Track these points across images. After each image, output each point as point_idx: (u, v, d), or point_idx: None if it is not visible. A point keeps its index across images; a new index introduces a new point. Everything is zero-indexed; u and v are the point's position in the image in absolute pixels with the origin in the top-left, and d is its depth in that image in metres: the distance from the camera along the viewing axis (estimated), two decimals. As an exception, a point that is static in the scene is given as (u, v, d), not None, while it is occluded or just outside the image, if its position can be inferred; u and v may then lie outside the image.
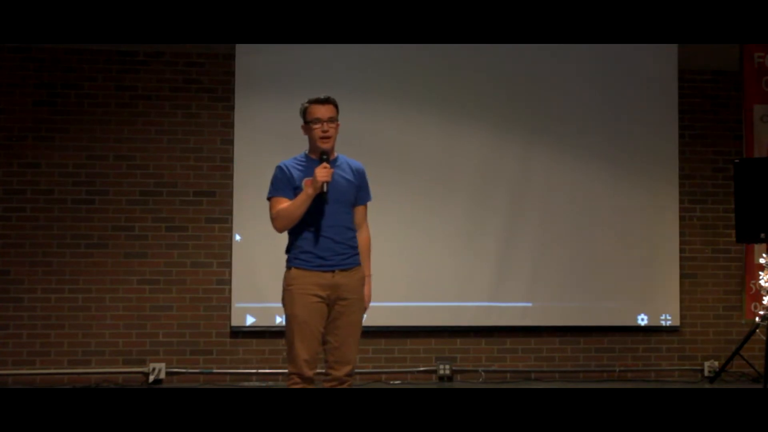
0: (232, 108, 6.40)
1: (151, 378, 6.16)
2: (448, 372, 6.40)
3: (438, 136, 6.51)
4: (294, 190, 3.72)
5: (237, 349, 6.32)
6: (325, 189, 3.64)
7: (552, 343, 6.61)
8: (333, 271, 3.70)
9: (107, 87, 6.37)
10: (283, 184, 3.76)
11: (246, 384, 6.27)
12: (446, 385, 6.36)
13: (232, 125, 6.40)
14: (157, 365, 6.19)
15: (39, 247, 6.21)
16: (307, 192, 3.64)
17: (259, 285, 6.21)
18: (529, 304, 6.55)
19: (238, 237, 6.31)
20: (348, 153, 3.94)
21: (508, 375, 6.54)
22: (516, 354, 6.58)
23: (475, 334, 6.53)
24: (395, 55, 6.46)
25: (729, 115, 6.91)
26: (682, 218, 6.78)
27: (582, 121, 6.67)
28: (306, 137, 3.83)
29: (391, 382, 6.35)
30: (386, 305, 6.15)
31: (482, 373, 6.47)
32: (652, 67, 6.77)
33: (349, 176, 3.82)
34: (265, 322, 6.25)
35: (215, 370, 6.28)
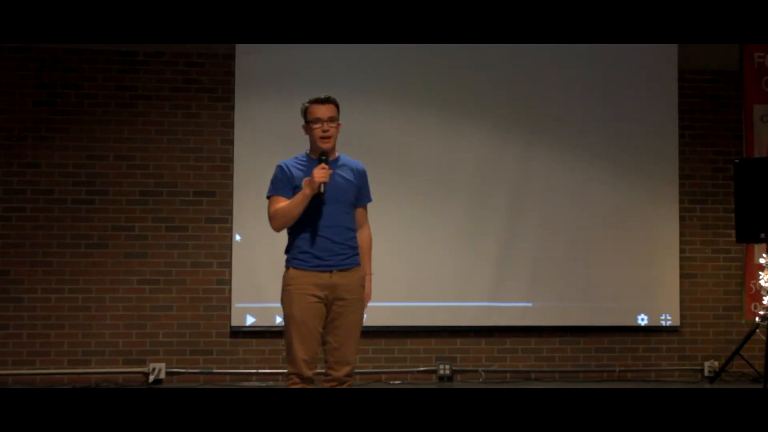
0: (232, 108, 6.41)
1: (151, 378, 6.16)
2: (448, 372, 6.40)
3: (438, 136, 6.51)
4: (294, 190, 3.72)
5: (237, 349, 6.32)
6: (322, 190, 3.64)
7: (552, 343, 6.61)
8: (331, 272, 3.70)
9: (107, 87, 6.37)
10: (282, 183, 3.76)
11: (246, 384, 6.27)
12: (446, 385, 6.36)
13: (232, 125, 6.40)
14: (157, 365, 6.19)
15: (39, 247, 6.21)
16: (305, 192, 3.64)
17: (259, 285, 6.21)
18: (529, 304, 6.55)
19: (238, 237, 6.31)
20: (348, 153, 3.93)
21: (508, 375, 6.54)
22: (516, 354, 6.58)
23: (475, 334, 6.53)
24: (395, 55, 6.46)
25: (729, 115, 6.91)
26: (682, 218, 6.78)
27: (582, 121, 6.67)
28: (307, 137, 3.83)
29: (391, 382, 6.35)
30: (386, 305, 6.15)
31: (482, 373, 6.47)
32: (652, 67, 6.77)
33: (350, 176, 3.82)
34: (265, 322, 6.26)
35: (215, 370, 6.28)
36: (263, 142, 6.24)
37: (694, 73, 6.92)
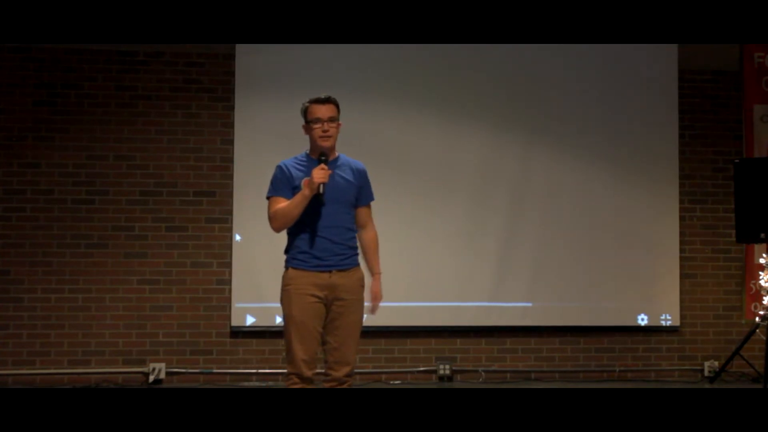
0: (232, 108, 6.41)
1: (151, 378, 6.16)
2: (448, 372, 6.40)
3: (438, 136, 6.51)
4: (293, 190, 3.72)
5: (237, 349, 6.32)
6: (321, 190, 3.64)
7: (552, 343, 6.61)
8: (330, 272, 3.70)
9: (107, 87, 6.37)
10: (282, 183, 3.76)
11: (246, 384, 6.27)
12: (446, 385, 6.36)
13: (232, 125, 6.40)
14: (157, 365, 6.19)
15: (39, 247, 6.21)
16: (304, 193, 3.64)
17: (259, 285, 6.21)
18: (529, 304, 6.55)
19: (238, 237, 6.31)
20: (348, 153, 3.93)
21: (508, 375, 6.54)
22: (516, 354, 6.58)
23: (475, 334, 6.53)
24: (395, 55, 6.46)
25: (729, 115, 6.91)
26: (682, 218, 6.78)
27: (582, 121, 6.67)
28: (307, 137, 3.83)
29: (391, 382, 6.35)
30: (386, 305, 6.06)
31: (482, 373, 6.47)
32: (652, 67, 6.77)
33: (350, 177, 3.82)
34: (265, 322, 6.26)
35: (215, 370, 6.28)
36: (263, 142, 6.24)
37: (694, 73, 6.92)
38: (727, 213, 6.72)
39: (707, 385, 6.45)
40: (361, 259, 3.86)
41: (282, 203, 3.72)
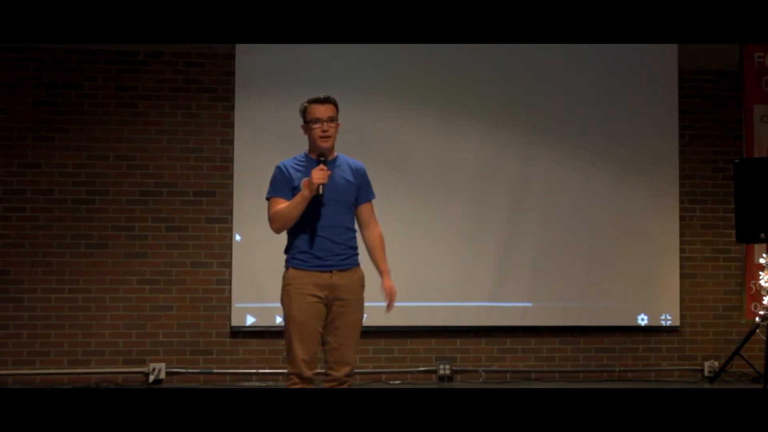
0: (232, 108, 6.41)
1: (151, 378, 6.16)
2: (448, 372, 6.40)
3: (438, 136, 6.51)
4: (292, 191, 3.71)
5: (237, 349, 6.32)
6: (320, 191, 3.64)
7: (552, 343, 6.61)
8: (330, 272, 3.70)
9: (107, 87, 6.37)
10: (281, 184, 3.75)
11: (246, 384, 6.27)
12: (446, 385, 6.36)
13: (232, 125, 6.40)
14: (157, 365, 6.19)
15: (39, 247, 6.21)
16: (303, 194, 3.64)
17: (259, 285, 6.21)
18: (529, 304, 6.55)
19: (238, 237, 6.31)
20: (348, 153, 3.93)
21: (508, 375, 6.54)
22: (516, 354, 6.58)
23: (475, 334, 6.53)
24: (395, 55, 6.46)
25: (729, 115, 6.91)
26: (682, 218, 6.78)
27: (582, 121, 6.67)
28: (306, 137, 3.83)
29: (391, 382, 6.35)
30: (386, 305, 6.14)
31: (482, 373, 6.47)
32: (652, 67, 6.77)
33: (349, 176, 3.82)
34: (265, 322, 6.26)
35: (215, 370, 6.28)
36: (263, 142, 6.24)
37: (694, 73, 6.92)
38: (727, 213, 6.72)
39: (707, 385, 6.45)
40: (361, 259, 3.85)
41: (282, 204, 3.72)
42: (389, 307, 3.86)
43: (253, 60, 6.38)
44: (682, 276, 6.74)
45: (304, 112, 3.78)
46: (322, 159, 3.68)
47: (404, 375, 6.44)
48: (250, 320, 6.28)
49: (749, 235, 6.07)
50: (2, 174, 6.24)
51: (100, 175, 6.30)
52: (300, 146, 3.87)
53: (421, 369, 6.45)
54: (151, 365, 6.20)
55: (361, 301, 3.80)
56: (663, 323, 6.69)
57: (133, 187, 6.33)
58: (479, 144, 6.56)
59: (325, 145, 3.74)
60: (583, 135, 6.66)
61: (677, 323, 6.71)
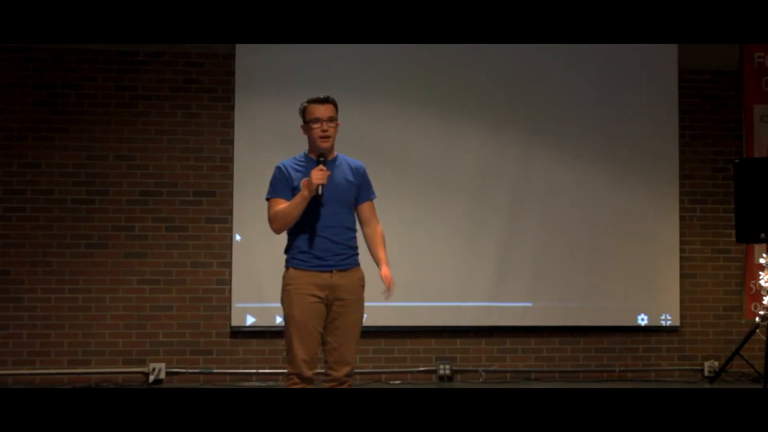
0: (232, 108, 6.41)
1: (151, 378, 6.16)
2: (448, 372, 6.39)
3: (438, 136, 6.51)
4: (292, 191, 3.71)
5: (237, 349, 6.32)
6: (320, 192, 3.64)
7: (552, 343, 6.61)
8: (331, 272, 3.70)
9: (107, 87, 6.37)
10: (281, 185, 3.75)
11: (246, 384, 6.27)
12: (446, 385, 6.36)
13: (232, 125, 6.40)
14: (157, 365, 6.19)
15: (39, 247, 6.21)
16: (303, 194, 3.64)
17: (259, 285, 6.21)
18: (529, 304, 6.55)
19: (238, 237, 6.31)
20: (348, 153, 3.93)
21: (508, 375, 6.54)
22: (516, 354, 6.58)
23: (475, 334, 6.53)
24: (395, 55, 6.46)
25: (729, 115, 6.91)
26: (682, 218, 6.78)
27: (582, 121, 6.67)
28: (306, 137, 3.83)
29: (391, 382, 6.35)
30: (386, 305, 6.11)
31: (482, 373, 6.47)
32: (652, 67, 6.77)
33: (349, 176, 3.82)
34: (265, 322, 6.25)
35: (215, 370, 6.28)
36: (263, 142, 6.24)
37: (694, 73, 6.92)
38: (727, 213, 6.72)
39: (707, 385, 6.45)
40: (362, 259, 3.85)
41: (281, 204, 3.72)
42: (388, 291, 3.78)
43: (253, 60, 6.38)
44: (682, 276, 6.74)
45: (303, 112, 3.79)
46: (321, 159, 3.68)
47: (404, 375, 6.44)
48: (250, 320, 6.28)
49: (749, 235, 6.07)
50: (2, 174, 6.24)
51: (100, 175, 6.30)
52: (300, 146, 3.87)
53: (421, 369, 6.45)
54: (151, 365, 6.20)
55: (361, 301, 3.80)
56: (663, 323, 6.69)
57: (133, 187, 6.33)
58: (479, 144, 6.56)
59: (325, 145, 3.74)
60: (583, 135, 6.66)
61: (677, 323, 6.71)
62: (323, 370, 3.77)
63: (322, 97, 3.77)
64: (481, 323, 6.51)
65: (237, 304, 6.29)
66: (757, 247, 6.52)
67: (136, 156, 6.35)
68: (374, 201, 3.94)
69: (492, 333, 6.55)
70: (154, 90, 6.41)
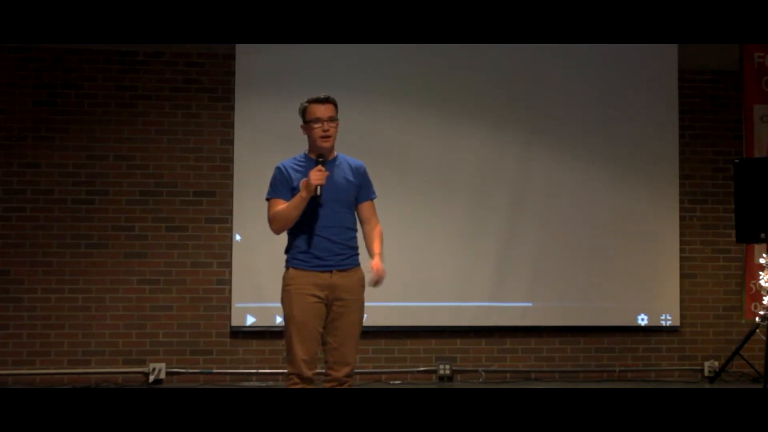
0: (232, 108, 6.40)
1: (151, 378, 6.16)
2: (448, 372, 6.39)
3: (438, 136, 6.51)
4: (292, 191, 3.71)
5: (237, 349, 6.32)
6: (318, 192, 3.63)
7: (552, 343, 6.61)
8: (331, 272, 3.70)
9: (107, 87, 6.37)
10: (281, 185, 3.75)
11: (246, 384, 6.27)
12: (446, 385, 6.36)
13: (232, 125, 6.40)
14: (157, 365, 6.19)
15: (39, 247, 6.21)
16: (301, 195, 3.63)
17: (259, 285, 6.21)
18: (529, 304, 6.55)
19: (238, 237, 6.31)
20: (348, 153, 3.93)
21: (508, 375, 6.54)
22: (516, 354, 6.58)
23: (475, 334, 6.53)
24: (395, 55, 6.46)
25: (729, 115, 6.91)
26: (682, 218, 6.78)
27: (582, 121, 6.67)
28: (306, 137, 3.83)
29: (391, 382, 6.35)
30: (386, 305, 6.15)
31: (482, 373, 6.47)
32: (652, 67, 6.77)
33: (349, 176, 3.82)
34: (265, 322, 6.25)
35: (215, 370, 6.28)
36: (263, 142, 6.24)
37: (694, 73, 6.92)
38: (727, 213, 6.72)
39: (707, 385, 6.45)
40: (362, 259, 3.85)
41: (281, 205, 3.72)
42: (376, 277, 3.71)
43: (253, 60, 6.38)
44: (682, 276, 6.74)
45: (303, 112, 3.78)
46: (320, 160, 3.68)
47: (404, 375, 6.44)
48: (250, 320, 6.28)
49: (749, 235, 6.07)
50: (2, 174, 6.24)
51: (100, 175, 6.30)
52: (300, 146, 3.87)
53: (421, 369, 6.45)
54: (151, 365, 6.20)
55: (361, 301, 3.79)
56: (663, 323, 6.68)
57: (133, 187, 6.33)
58: (479, 144, 6.56)
59: (326, 144, 3.74)
60: (583, 135, 6.66)
61: (677, 323, 6.71)
62: (323, 370, 3.77)
63: (322, 96, 3.77)
64: (481, 323, 6.50)
65: (237, 304, 6.29)
66: (757, 247, 6.51)
67: (136, 156, 6.35)
68: (374, 201, 3.94)
69: (492, 333, 6.55)
70: (154, 90, 6.41)
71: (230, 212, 6.34)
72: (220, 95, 6.45)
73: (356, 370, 3.96)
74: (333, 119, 3.76)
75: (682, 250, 6.76)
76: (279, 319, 6.10)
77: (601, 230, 6.64)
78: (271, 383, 6.22)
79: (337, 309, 3.71)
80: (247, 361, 6.32)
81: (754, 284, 6.53)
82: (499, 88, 6.60)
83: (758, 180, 6.01)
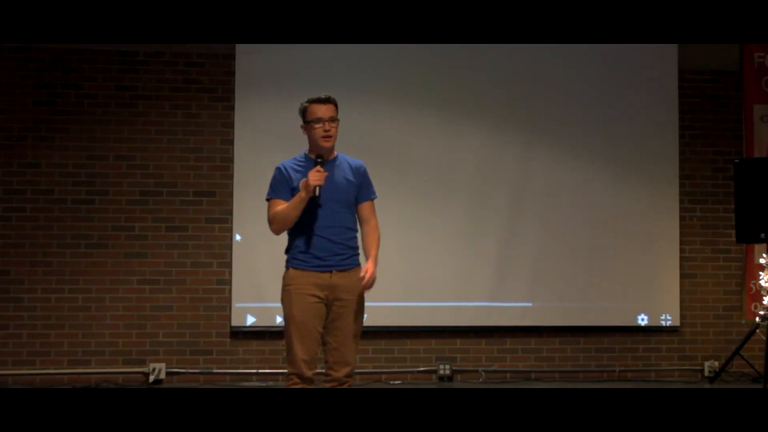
0: (232, 108, 6.40)
1: (151, 378, 6.16)
2: (448, 372, 6.39)
3: (438, 136, 6.51)
4: (292, 191, 3.71)
5: (237, 349, 6.32)
6: (317, 193, 3.63)
7: (552, 343, 6.61)
8: (330, 272, 3.70)
9: (107, 87, 6.37)
10: (281, 185, 3.76)
11: (246, 384, 6.27)
12: (446, 385, 6.36)
13: (232, 125, 6.40)
14: (157, 365, 6.19)
15: (39, 247, 6.21)
16: (301, 195, 3.63)
17: (259, 285, 6.21)
18: (529, 304, 6.55)
19: (238, 237, 6.31)
20: (348, 153, 3.93)
21: (508, 375, 6.54)
22: (516, 354, 6.58)
23: (475, 334, 6.53)
24: (395, 55, 6.46)
25: (729, 115, 6.91)
26: (682, 218, 6.78)
27: (582, 121, 6.67)
28: (306, 137, 3.83)
29: (391, 382, 6.35)
30: (386, 305, 6.16)
31: (482, 373, 6.47)
32: (652, 67, 6.77)
33: (349, 176, 3.82)
34: (265, 322, 6.25)
35: (215, 370, 6.28)
36: (263, 142, 6.24)
37: (694, 73, 6.92)
38: (727, 213, 6.72)
39: (707, 385, 6.45)
40: (362, 259, 3.85)
41: (281, 205, 3.72)
42: (364, 281, 3.66)
43: (253, 60, 6.38)
44: (682, 276, 6.74)
45: (304, 112, 3.78)
46: (319, 161, 3.68)
47: (404, 375, 6.44)
48: (250, 320, 6.28)
49: (749, 235, 6.07)
50: (2, 174, 6.24)
51: (100, 175, 6.30)
52: (300, 146, 3.87)
53: (421, 369, 6.45)
54: (151, 365, 6.20)
55: (361, 301, 3.79)
56: (663, 323, 6.69)
57: (133, 187, 6.33)
58: (479, 144, 6.56)
59: (327, 144, 3.74)
60: (583, 135, 6.66)
61: (677, 323, 6.71)
62: (323, 370, 3.77)
63: (323, 96, 3.77)
64: (481, 323, 6.50)
65: (237, 304, 6.29)
66: (757, 247, 6.52)
67: (136, 156, 6.35)
68: (374, 201, 3.94)
69: (492, 333, 6.55)
70: (154, 90, 6.41)
71: (230, 212, 6.34)
72: (220, 95, 6.45)
73: (356, 370, 3.96)
74: (334, 119, 3.76)
75: (682, 250, 6.76)
76: (279, 319, 6.10)
77: (601, 230, 6.64)
78: (271, 383, 6.22)
79: (337, 309, 3.71)
80: (247, 361, 6.32)
81: (754, 284, 6.53)
82: (499, 88, 6.60)
83: (758, 180, 6.01)
